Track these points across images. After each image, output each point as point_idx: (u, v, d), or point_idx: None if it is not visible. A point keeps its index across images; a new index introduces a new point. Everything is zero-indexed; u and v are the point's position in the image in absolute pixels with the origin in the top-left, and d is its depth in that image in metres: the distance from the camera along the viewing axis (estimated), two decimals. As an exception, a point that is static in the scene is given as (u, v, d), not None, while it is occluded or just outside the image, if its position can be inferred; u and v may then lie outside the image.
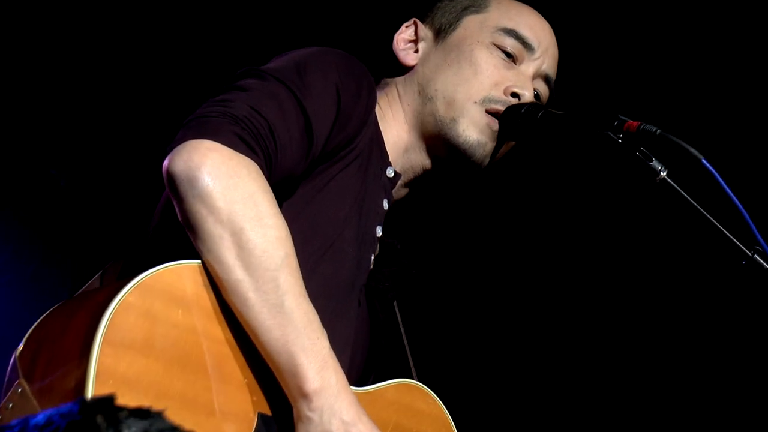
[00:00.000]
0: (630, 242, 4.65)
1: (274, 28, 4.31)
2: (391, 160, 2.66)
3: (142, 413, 1.55)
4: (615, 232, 4.67)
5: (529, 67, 2.74)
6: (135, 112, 4.33)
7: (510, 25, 2.74)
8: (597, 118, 2.54)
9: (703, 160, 2.35)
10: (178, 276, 2.13)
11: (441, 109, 2.68)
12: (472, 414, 2.88)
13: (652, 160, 2.47)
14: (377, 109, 2.69)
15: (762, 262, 2.34)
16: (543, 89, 2.80)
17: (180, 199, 2.19)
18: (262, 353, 2.19)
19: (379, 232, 2.63)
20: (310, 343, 2.17)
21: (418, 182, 2.77)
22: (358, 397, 2.26)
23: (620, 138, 2.49)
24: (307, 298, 2.21)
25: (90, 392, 1.93)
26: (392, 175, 2.65)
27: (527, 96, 2.69)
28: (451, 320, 4.78)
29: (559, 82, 2.85)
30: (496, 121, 2.66)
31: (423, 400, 2.60)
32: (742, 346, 4.47)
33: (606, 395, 4.71)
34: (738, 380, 4.54)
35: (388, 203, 2.64)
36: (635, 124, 2.47)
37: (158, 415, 1.55)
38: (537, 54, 2.75)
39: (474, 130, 2.66)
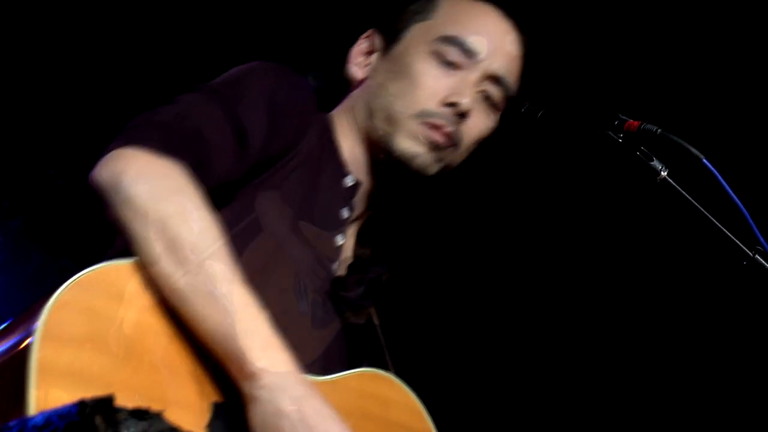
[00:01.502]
0: (630, 242, 4.65)
1: (275, 29, 4.32)
2: (350, 170, 2.64)
3: (140, 414, 1.55)
4: (615, 231, 4.67)
5: (471, 72, 2.64)
6: (132, 111, 4.32)
7: (452, 33, 2.64)
8: (597, 117, 2.53)
9: (704, 160, 2.35)
10: (116, 273, 2.12)
11: (382, 124, 2.63)
12: (458, 416, 2.84)
13: (652, 160, 2.47)
14: (335, 123, 2.68)
15: (763, 262, 2.33)
16: (494, 91, 2.67)
17: (108, 207, 2.21)
18: (204, 344, 2.15)
19: (339, 240, 2.61)
20: (249, 325, 2.13)
21: (380, 197, 2.73)
22: (319, 386, 2.20)
23: (620, 137, 2.48)
24: (243, 283, 2.17)
25: (32, 387, 1.88)
26: (351, 183, 2.63)
27: (465, 103, 2.60)
28: (429, 325, 4.76)
29: (559, 82, 2.81)
30: (438, 131, 2.60)
31: (390, 388, 2.55)
32: (743, 346, 4.47)
33: (601, 394, 4.71)
34: (738, 380, 4.54)
35: (350, 211, 2.62)
36: (636, 123, 2.47)
37: (157, 417, 1.55)
38: (482, 57, 2.64)
39: (409, 142, 2.60)
